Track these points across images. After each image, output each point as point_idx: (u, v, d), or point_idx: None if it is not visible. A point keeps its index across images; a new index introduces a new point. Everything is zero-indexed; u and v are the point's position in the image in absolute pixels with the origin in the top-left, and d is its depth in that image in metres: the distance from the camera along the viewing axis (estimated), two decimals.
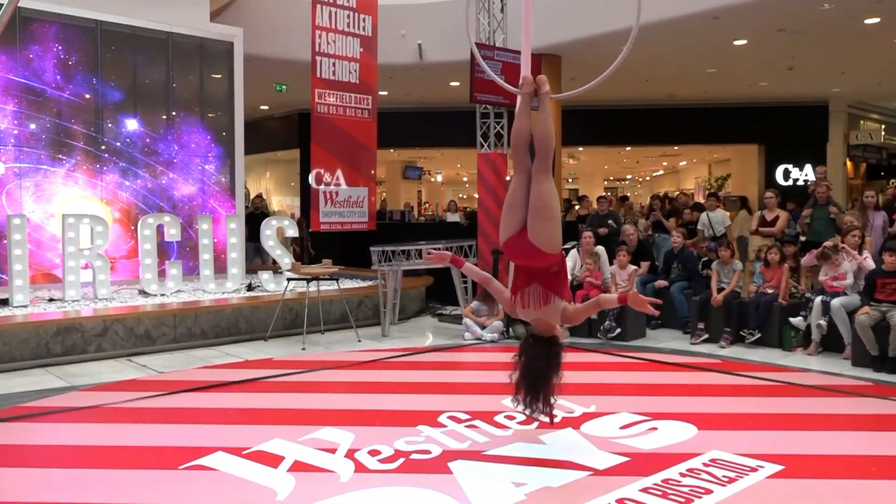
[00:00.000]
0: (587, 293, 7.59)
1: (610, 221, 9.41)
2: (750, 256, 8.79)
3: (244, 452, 3.95)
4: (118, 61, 9.48)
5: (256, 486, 3.52)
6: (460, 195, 35.47)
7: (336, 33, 8.85)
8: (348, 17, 8.98)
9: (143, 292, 8.65)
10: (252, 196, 14.02)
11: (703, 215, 9.18)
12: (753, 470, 3.65)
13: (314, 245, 12.83)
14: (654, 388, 5.44)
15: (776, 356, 6.60)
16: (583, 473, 3.64)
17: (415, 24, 11.71)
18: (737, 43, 11.18)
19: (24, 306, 7.61)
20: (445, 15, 11.33)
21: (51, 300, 8.04)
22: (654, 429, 4.33)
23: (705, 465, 3.72)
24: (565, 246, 9.09)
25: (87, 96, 9.20)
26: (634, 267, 7.89)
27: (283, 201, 20.72)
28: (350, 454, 3.91)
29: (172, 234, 8.89)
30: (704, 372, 5.95)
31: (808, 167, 16.38)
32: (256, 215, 11.66)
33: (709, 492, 3.38)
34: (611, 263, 7.96)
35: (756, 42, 11.10)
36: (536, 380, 3.60)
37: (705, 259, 8.23)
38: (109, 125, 9.39)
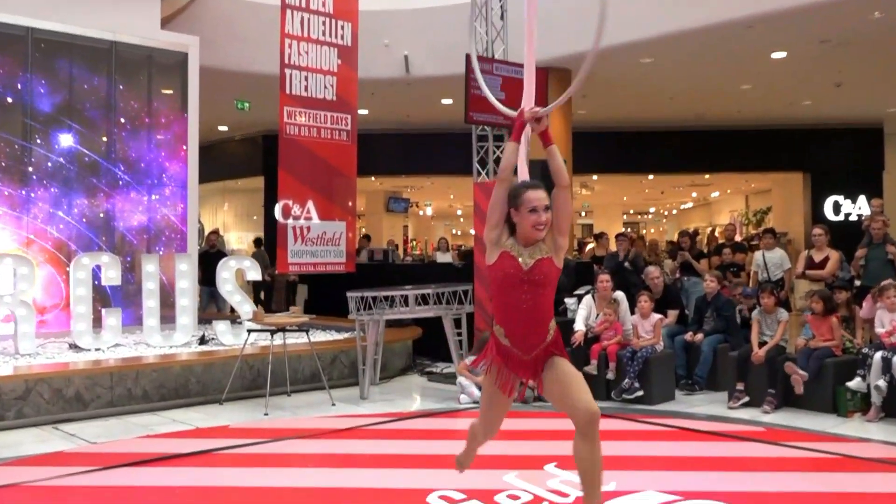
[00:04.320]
0: (604, 348, 7.58)
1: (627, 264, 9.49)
2: (797, 304, 8.82)
3: None
4: (52, 73, 9.55)
5: None
6: (453, 231, 35.74)
7: (309, 42, 8.97)
8: (324, 23, 9.11)
9: (74, 346, 8.57)
10: (207, 232, 14.03)
11: (758, 255, 9.25)
12: None
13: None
14: (685, 462, 5.39)
15: (830, 423, 6.57)
16: None
17: (400, 32, 11.89)
18: (774, 56, 11.40)
19: None
20: (435, 22, 11.51)
21: None
22: None
23: None
24: (578, 291, 9.16)
25: (10, 101, 9.19)
26: (659, 316, 7.90)
27: (243, 238, 20.73)
28: None
29: (111, 277, 8.85)
30: (745, 442, 5.91)
31: (861, 199, 16.55)
32: (212, 254, 11.65)
33: None
34: (632, 312, 7.97)
35: (797, 54, 11.32)
36: None
37: (740, 307, 8.26)
38: (39, 141, 9.41)
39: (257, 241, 16.20)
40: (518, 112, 3.65)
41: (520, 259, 3.47)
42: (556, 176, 3.57)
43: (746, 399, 7.19)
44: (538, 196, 3.47)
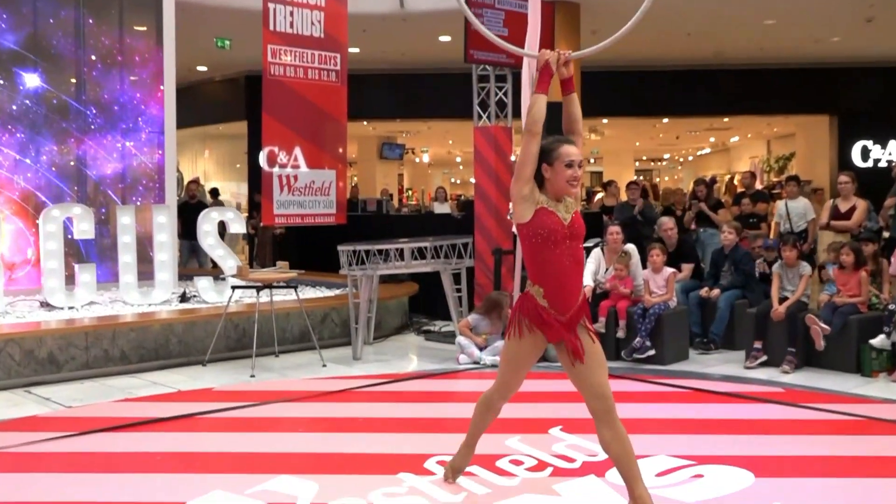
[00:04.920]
0: (614, 304, 7.59)
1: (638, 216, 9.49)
2: (820, 258, 8.83)
3: None
4: (14, 5, 9.40)
5: None
6: (452, 179, 35.68)
7: None
8: None
9: (45, 305, 8.59)
10: (186, 181, 13.98)
11: (781, 205, 9.25)
12: None
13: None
14: (699, 425, 5.44)
15: (853, 383, 6.61)
16: None
17: None
18: None
19: None
20: None
21: None
22: (700, 476, 4.33)
23: None
24: (586, 245, 9.16)
25: None
26: (673, 270, 7.90)
27: (226, 187, 20.69)
28: None
29: (84, 230, 8.83)
30: (763, 404, 5.95)
31: (891, 144, 16.48)
32: (192, 206, 11.62)
33: None
34: (644, 266, 7.97)
35: None
36: None
37: (759, 261, 8.27)
38: (2, 81, 9.28)
39: (214, 192, 16.09)
40: (542, 57, 3.69)
41: (559, 214, 3.57)
42: (574, 123, 3.72)
43: (765, 358, 7.22)
44: (574, 151, 3.59)
